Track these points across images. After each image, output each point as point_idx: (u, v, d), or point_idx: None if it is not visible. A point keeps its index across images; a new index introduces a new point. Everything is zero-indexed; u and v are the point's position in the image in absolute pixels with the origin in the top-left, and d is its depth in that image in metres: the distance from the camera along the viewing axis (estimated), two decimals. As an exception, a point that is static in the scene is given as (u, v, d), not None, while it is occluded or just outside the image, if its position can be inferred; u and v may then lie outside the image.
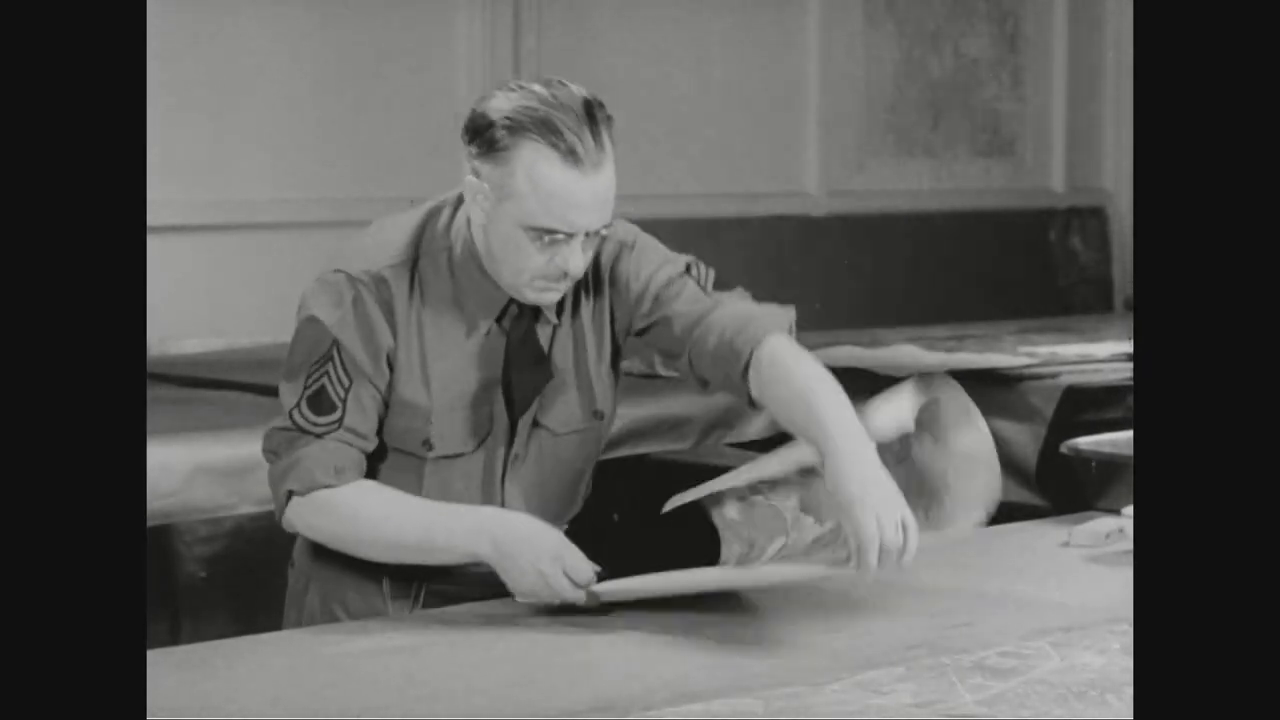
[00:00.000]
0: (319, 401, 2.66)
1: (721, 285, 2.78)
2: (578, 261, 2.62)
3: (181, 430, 4.12)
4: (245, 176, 5.97)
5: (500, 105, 2.60)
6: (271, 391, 4.58)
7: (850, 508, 2.48)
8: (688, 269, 2.79)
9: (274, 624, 2.90)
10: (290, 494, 2.65)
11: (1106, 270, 8.21)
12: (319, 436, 2.65)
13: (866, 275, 7.44)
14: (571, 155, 2.55)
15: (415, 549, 2.65)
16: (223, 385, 4.78)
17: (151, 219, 4.96)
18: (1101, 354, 5.54)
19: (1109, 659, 2.44)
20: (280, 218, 6.04)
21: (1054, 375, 5.12)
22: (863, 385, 5.33)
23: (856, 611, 2.66)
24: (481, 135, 2.60)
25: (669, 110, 6.87)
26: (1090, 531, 3.10)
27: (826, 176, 7.36)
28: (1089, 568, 2.96)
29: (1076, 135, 8.09)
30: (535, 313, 2.72)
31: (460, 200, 2.71)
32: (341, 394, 2.65)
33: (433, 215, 2.73)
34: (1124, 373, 5.11)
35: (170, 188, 5.66)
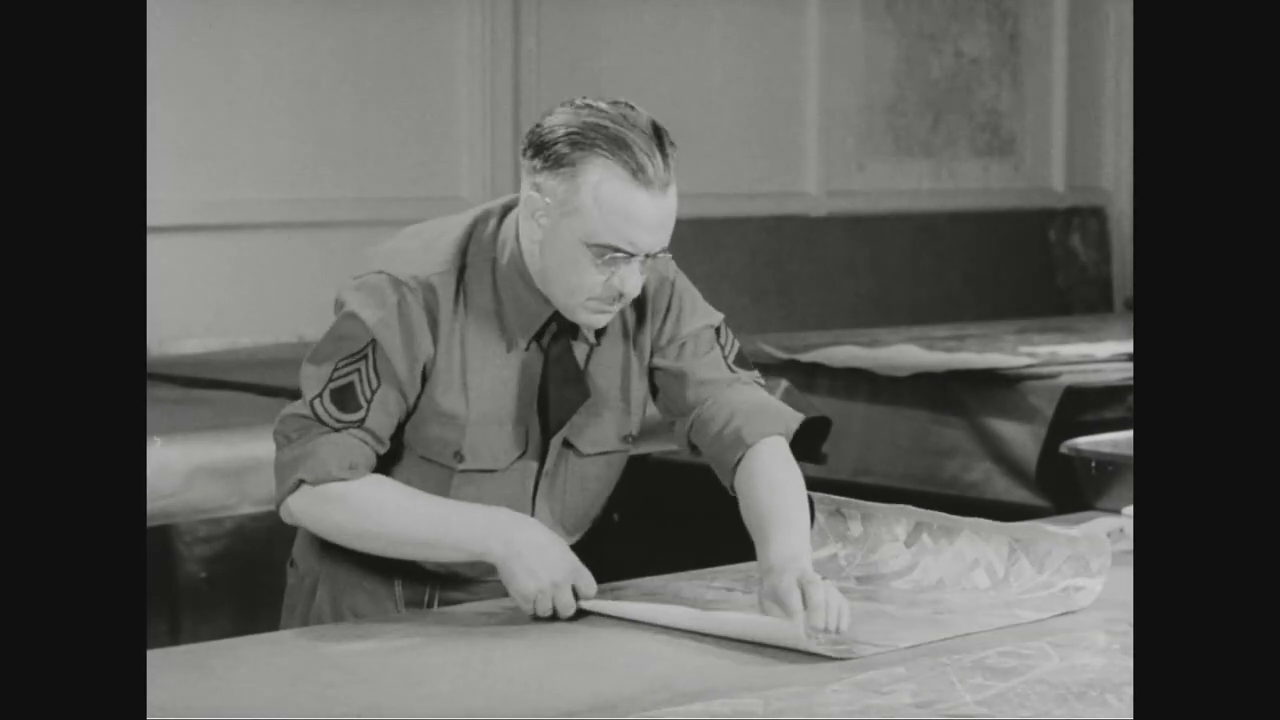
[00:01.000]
0: (344, 397, 2.62)
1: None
2: (635, 282, 2.60)
3: (181, 430, 4.12)
4: (245, 176, 5.97)
5: (568, 120, 2.58)
6: (271, 391, 4.63)
7: (771, 576, 2.54)
8: (717, 331, 2.80)
9: (274, 624, 2.90)
10: (300, 483, 2.62)
11: (1106, 270, 8.21)
12: (336, 431, 2.62)
13: (866, 275, 7.45)
14: (641, 174, 2.54)
15: (423, 544, 2.63)
16: (223, 385, 4.79)
17: (151, 219, 4.99)
18: (1101, 354, 5.55)
19: (1109, 659, 2.44)
20: (280, 218, 6.05)
21: (1054, 375, 5.13)
22: (863, 385, 5.38)
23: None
24: (547, 149, 2.57)
25: (668, 110, 6.83)
26: (1090, 531, 3.10)
27: (826, 176, 7.36)
28: (1089, 568, 2.96)
29: (1076, 135, 8.10)
30: (573, 331, 2.70)
31: (505, 210, 2.69)
32: (368, 394, 2.62)
33: (479, 223, 2.70)
34: (1124, 373, 5.12)
35: (170, 188, 5.66)
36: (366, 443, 2.63)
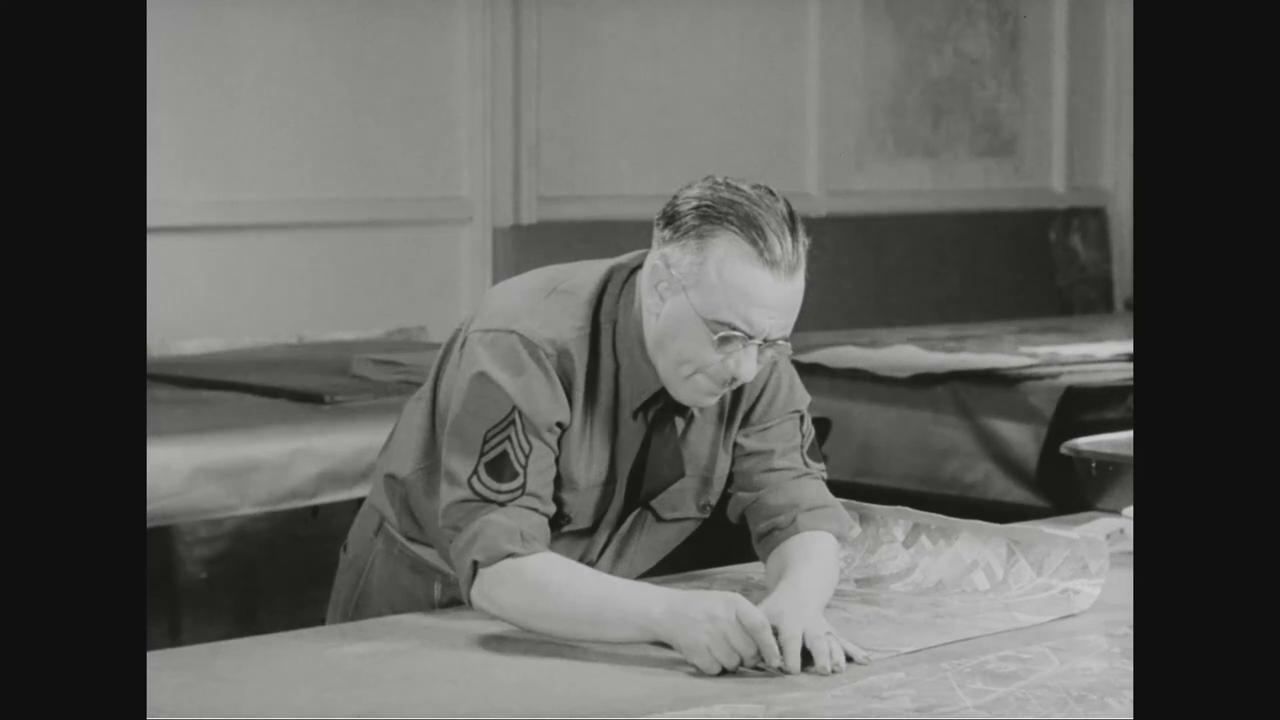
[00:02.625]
0: (500, 468, 2.55)
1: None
2: (749, 368, 2.55)
3: (181, 431, 4.12)
4: (245, 176, 5.97)
5: (703, 194, 2.54)
6: (271, 392, 4.63)
7: (776, 607, 2.46)
8: (801, 419, 2.77)
9: (275, 624, 2.90)
10: (476, 566, 2.53)
11: (1106, 270, 8.21)
12: (502, 505, 2.54)
13: (866, 275, 7.44)
14: (768, 254, 2.49)
15: (589, 621, 2.49)
16: (223, 385, 4.78)
17: (151, 219, 4.98)
18: (1102, 354, 5.55)
19: (1109, 662, 2.44)
20: (280, 218, 6.04)
21: (1054, 375, 5.13)
22: (863, 385, 5.37)
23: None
24: (678, 220, 2.53)
25: (669, 110, 6.87)
26: (1090, 533, 3.09)
27: (826, 176, 7.36)
28: (1089, 569, 2.96)
29: (1076, 135, 8.09)
30: (680, 408, 2.65)
31: (634, 269, 2.64)
32: (523, 459, 2.55)
33: (611, 279, 2.64)
34: (1124, 373, 5.12)
35: (170, 188, 5.66)
36: (534, 509, 2.55)
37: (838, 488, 2.82)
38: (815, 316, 7.11)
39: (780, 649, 2.40)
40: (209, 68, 5.88)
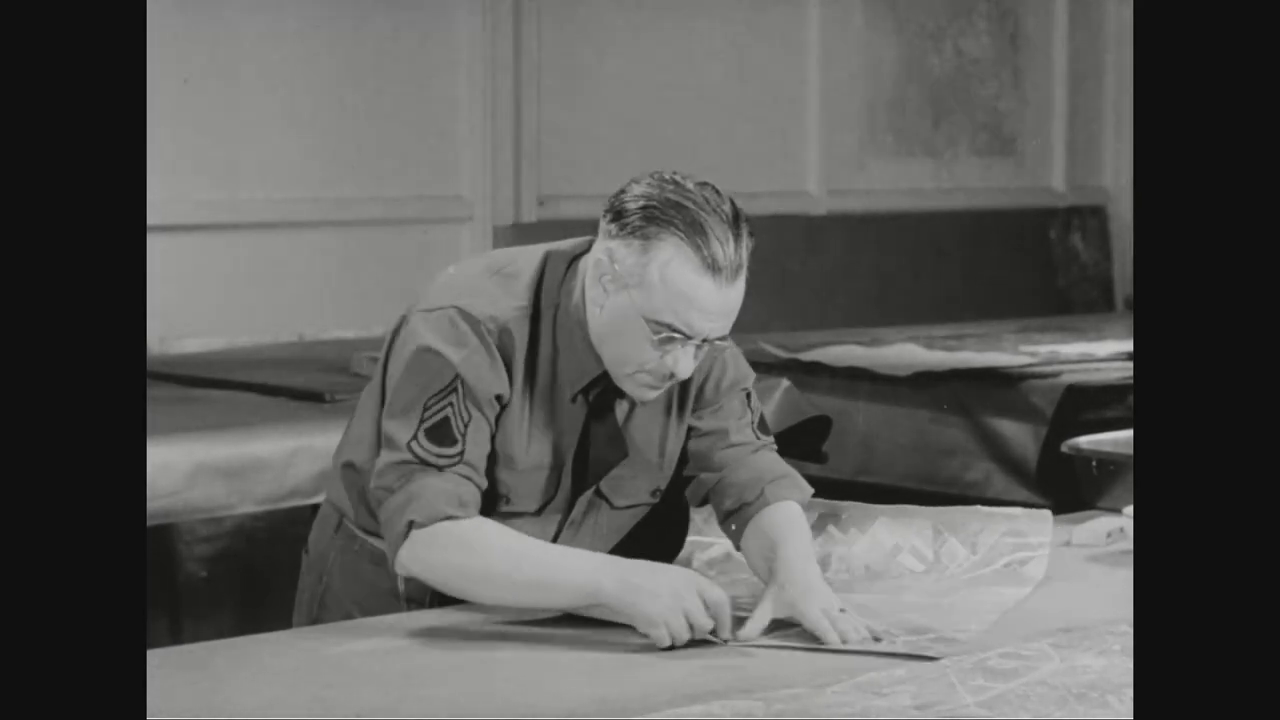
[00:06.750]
0: (440, 433, 2.57)
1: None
2: (687, 365, 2.59)
3: (182, 429, 4.12)
4: (246, 175, 5.97)
5: (649, 193, 2.57)
6: (271, 391, 4.63)
7: (796, 604, 2.54)
8: (748, 395, 2.80)
9: (275, 623, 2.90)
10: (410, 526, 2.55)
11: (1107, 269, 8.21)
12: (440, 469, 2.57)
13: (866, 274, 7.45)
14: (711, 261, 2.52)
15: (531, 585, 2.54)
16: (223, 384, 4.78)
17: (151, 219, 4.98)
18: (1102, 353, 5.55)
19: (1109, 660, 2.44)
20: (280, 217, 6.04)
21: (1055, 374, 5.12)
22: (863, 384, 5.37)
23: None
24: (624, 218, 2.56)
25: (669, 110, 6.87)
26: (1091, 531, 3.10)
27: (827, 176, 7.36)
28: (1089, 568, 2.96)
29: (1076, 135, 8.09)
30: (619, 391, 2.67)
31: (574, 256, 2.68)
32: (463, 427, 2.58)
33: (551, 264, 2.68)
34: (1124, 372, 5.12)
35: (170, 188, 5.66)
36: (470, 478, 2.58)
37: (838, 487, 2.83)
38: (815, 316, 7.14)
39: (812, 631, 2.50)
40: (210, 67, 5.87)
